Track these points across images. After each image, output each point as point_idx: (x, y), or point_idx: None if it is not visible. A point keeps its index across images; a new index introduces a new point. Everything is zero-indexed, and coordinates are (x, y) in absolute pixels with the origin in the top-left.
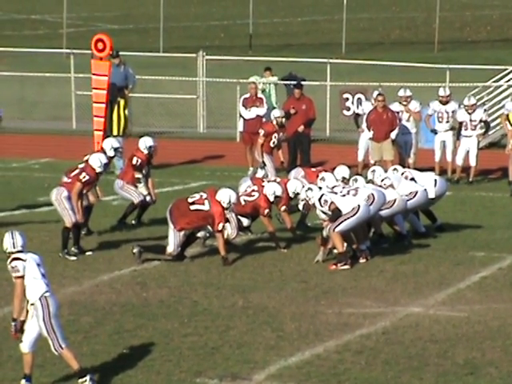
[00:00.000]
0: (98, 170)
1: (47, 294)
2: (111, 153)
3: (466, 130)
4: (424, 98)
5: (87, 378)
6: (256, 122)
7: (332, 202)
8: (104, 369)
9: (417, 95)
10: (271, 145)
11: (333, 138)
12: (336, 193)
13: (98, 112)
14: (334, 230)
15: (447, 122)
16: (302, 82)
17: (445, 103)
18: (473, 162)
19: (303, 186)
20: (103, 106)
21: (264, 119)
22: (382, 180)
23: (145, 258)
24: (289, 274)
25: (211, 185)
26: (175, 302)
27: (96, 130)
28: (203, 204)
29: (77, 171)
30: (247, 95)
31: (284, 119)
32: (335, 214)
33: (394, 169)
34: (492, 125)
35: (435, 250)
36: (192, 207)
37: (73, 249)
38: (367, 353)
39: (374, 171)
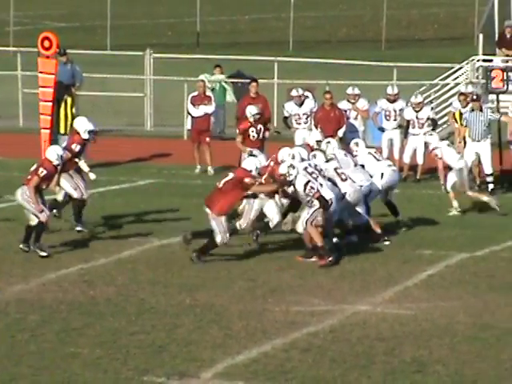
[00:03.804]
0: (56, 162)
1: None
2: (85, 135)
3: (413, 128)
4: (371, 96)
5: None
6: (204, 120)
7: (317, 191)
8: (51, 367)
9: (364, 93)
10: (252, 139)
11: (280, 136)
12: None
13: (45, 110)
14: (310, 224)
15: (395, 120)
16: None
17: (392, 101)
18: (420, 160)
19: (293, 158)
20: (50, 104)
21: (212, 117)
22: (337, 169)
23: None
24: (236, 273)
25: (158, 183)
26: (122, 300)
27: (43, 128)
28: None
29: (35, 166)
30: (195, 93)
31: (259, 115)
32: (321, 203)
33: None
34: (439, 123)
35: (382, 247)
36: (222, 186)
37: (21, 246)
38: (314, 351)
39: (329, 142)
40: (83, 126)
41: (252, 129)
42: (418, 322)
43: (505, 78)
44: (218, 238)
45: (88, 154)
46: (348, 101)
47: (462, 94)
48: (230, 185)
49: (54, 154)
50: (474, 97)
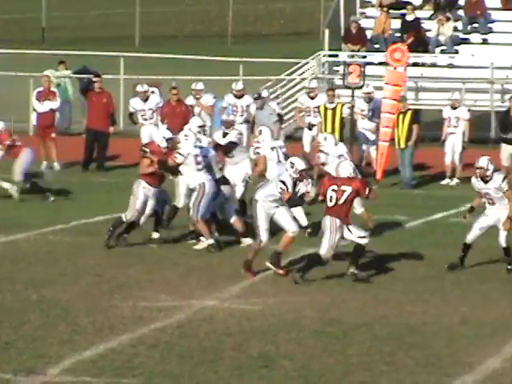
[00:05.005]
0: None
1: None
2: None
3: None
4: (219, 91)
5: None
6: (49, 116)
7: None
8: None
9: (212, 88)
10: None
11: (127, 132)
12: None
13: None
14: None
15: (241, 115)
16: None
17: (239, 97)
18: None
19: None
20: None
21: (57, 113)
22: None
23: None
24: (83, 268)
25: (4, 178)
26: None
27: None
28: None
29: None
30: (40, 89)
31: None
32: None
33: None
34: (286, 118)
35: (229, 242)
36: (343, 202)
37: None
38: (162, 346)
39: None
40: None
41: None
42: (265, 317)
43: (362, 73)
44: (323, 251)
45: None
46: (193, 96)
47: (330, 89)
48: (351, 197)
49: None
50: (256, 95)
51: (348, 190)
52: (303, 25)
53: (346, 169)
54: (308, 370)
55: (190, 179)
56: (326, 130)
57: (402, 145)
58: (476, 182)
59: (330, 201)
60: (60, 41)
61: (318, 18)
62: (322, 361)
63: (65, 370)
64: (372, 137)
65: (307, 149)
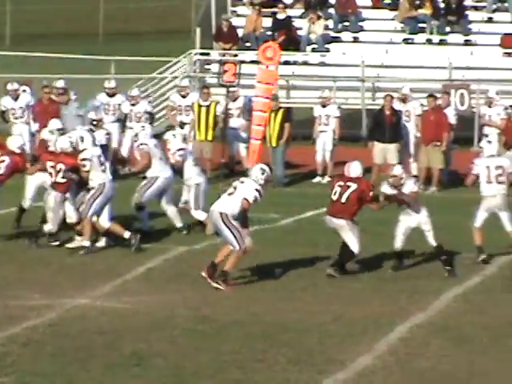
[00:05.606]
0: None
1: None
2: None
3: (130, 121)
4: (92, 90)
5: None
6: None
7: None
8: None
9: (84, 87)
10: None
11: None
12: None
13: None
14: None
15: (113, 113)
16: None
17: (111, 95)
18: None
19: None
20: None
21: None
22: None
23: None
24: None
25: None
26: None
27: None
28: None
29: None
30: None
31: None
32: None
33: None
34: (157, 116)
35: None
36: (346, 201)
37: None
38: (34, 345)
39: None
40: None
41: None
42: (137, 315)
43: (237, 71)
44: (356, 248)
45: None
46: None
47: (204, 87)
48: (354, 195)
49: None
50: (61, 91)
51: (353, 186)
52: (174, 23)
53: (356, 168)
54: (181, 368)
55: (93, 180)
56: (199, 128)
57: (274, 143)
58: (388, 189)
59: (334, 194)
60: None
61: (189, 17)
62: (194, 359)
63: None
64: (243, 135)
65: None
